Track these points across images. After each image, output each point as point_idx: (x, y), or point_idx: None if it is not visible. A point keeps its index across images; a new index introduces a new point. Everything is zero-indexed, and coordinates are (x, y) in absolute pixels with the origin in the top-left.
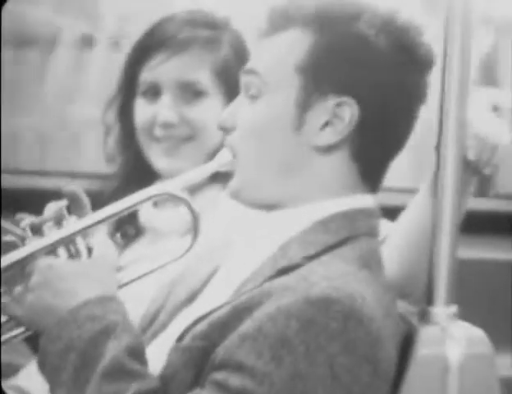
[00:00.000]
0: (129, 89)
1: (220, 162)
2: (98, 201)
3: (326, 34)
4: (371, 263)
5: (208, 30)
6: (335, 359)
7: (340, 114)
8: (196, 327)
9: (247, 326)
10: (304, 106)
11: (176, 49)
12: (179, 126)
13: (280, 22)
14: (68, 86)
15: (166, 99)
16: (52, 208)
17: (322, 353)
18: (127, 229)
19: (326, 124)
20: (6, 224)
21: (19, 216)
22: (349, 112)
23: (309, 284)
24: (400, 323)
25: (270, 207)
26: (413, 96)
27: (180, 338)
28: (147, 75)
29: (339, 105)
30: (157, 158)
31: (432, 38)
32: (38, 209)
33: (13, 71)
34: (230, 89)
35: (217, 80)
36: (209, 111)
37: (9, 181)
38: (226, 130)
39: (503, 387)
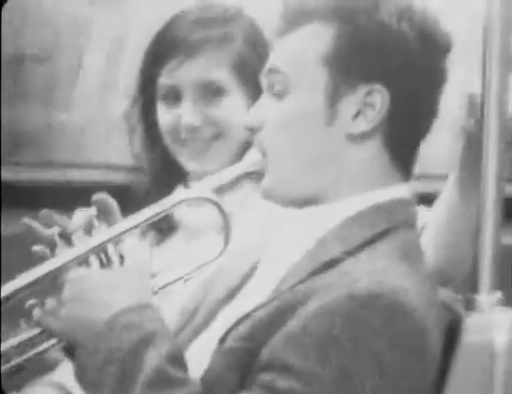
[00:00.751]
0: (148, 92)
1: (249, 163)
2: (130, 196)
3: (348, 25)
4: (410, 254)
5: (220, 28)
6: (382, 355)
7: (371, 102)
8: (239, 328)
9: (291, 325)
10: (333, 98)
11: (189, 52)
12: (203, 128)
13: (297, 18)
14: (105, 80)
15: (187, 103)
16: (80, 215)
17: (369, 349)
18: (161, 225)
19: (358, 113)
20: (36, 227)
21: (44, 212)
22: (380, 99)
23: (351, 280)
24: (443, 312)
25: (304, 203)
26: (436, 80)
27: (223, 340)
28: (165, 80)
29: (369, 93)
30: (186, 160)
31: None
32: (70, 203)
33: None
34: (250, 82)
35: (236, 76)
36: (232, 108)
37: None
38: (253, 130)
39: None
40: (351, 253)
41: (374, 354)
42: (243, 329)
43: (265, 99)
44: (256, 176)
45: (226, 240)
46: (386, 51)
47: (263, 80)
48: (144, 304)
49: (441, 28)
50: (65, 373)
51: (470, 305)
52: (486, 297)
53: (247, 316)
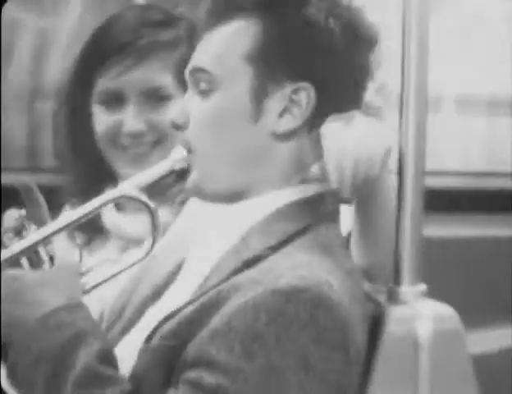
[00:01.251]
0: (83, 94)
1: (174, 159)
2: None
3: (275, 21)
4: (334, 249)
5: (167, 31)
6: (307, 348)
7: (298, 100)
8: (164, 327)
9: (216, 322)
10: (259, 96)
11: (138, 56)
12: (146, 133)
13: (221, 14)
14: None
15: (131, 108)
16: (11, 216)
17: (294, 344)
18: (88, 227)
19: (284, 111)
20: None
21: None
22: (306, 96)
23: (275, 276)
24: (367, 305)
25: (230, 199)
26: (361, 75)
27: (149, 338)
28: (108, 84)
29: (295, 91)
30: (123, 166)
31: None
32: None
33: None
34: None
35: (179, 81)
36: None
37: None
38: (178, 127)
39: (474, 364)
40: (274, 248)
41: (299, 348)
42: (168, 327)
43: (190, 97)
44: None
45: (154, 239)
46: (313, 48)
47: (188, 78)
48: (74, 303)
49: (369, 22)
50: None
51: (393, 297)
52: (409, 288)
53: (172, 314)
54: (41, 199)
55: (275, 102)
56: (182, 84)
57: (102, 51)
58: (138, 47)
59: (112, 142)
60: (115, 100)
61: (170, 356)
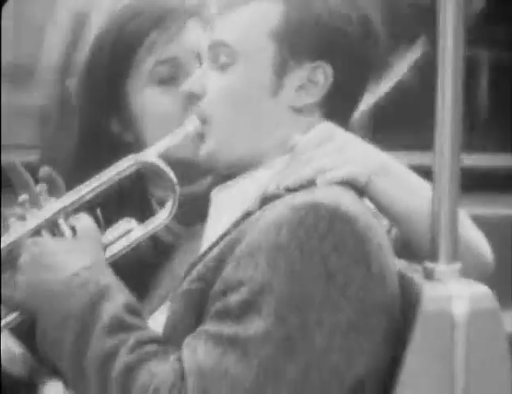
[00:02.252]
0: (120, 76)
1: (188, 129)
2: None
3: (298, 4)
4: (356, 194)
5: None
6: (328, 258)
7: (315, 78)
8: (192, 272)
9: (240, 248)
10: (280, 71)
11: (181, 20)
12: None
13: None
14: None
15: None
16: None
17: (315, 253)
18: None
19: (302, 87)
20: None
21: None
22: (324, 75)
23: (293, 197)
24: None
25: (244, 168)
26: (371, 64)
27: (177, 287)
28: (160, 56)
29: (314, 69)
30: None
31: None
32: None
33: None
34: None
35: None
36: None
37: None
38: (195, 96)
39: (510, 343)
40: (293, 190)
41: (320, 257)
42: (195, 272)
43: (207, 69)
44: None
45: (174, 202)
46: (333, 32)
47: (207, 52)
48: (97, 263)
49: (374, 18)
50: None
51: (429, 275)
52: (446, 267)
53: (199, 259)
54: (27, 176)
55: (294, 78)
56: None
57: (136, 31)
58: (177, 14)
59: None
60: (171, 75)
61: (199, 298)
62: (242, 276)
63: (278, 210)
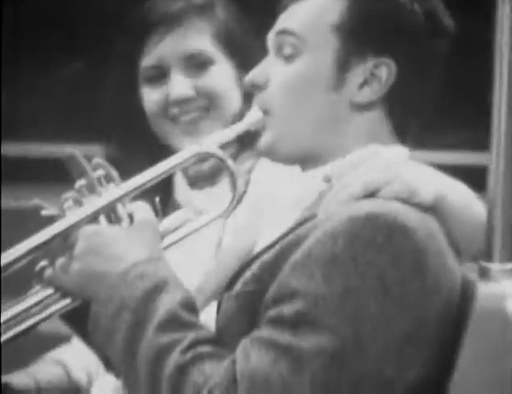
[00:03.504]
0: (130, 78)
1: (250, 120)
2: None
3: None
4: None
5: None
6: (384, 271)
7: (379, 74)
8: (246, 273)
9: (296, 256)
10: (343, 66)
11: (171, 24)
12: (195, 99)
13: None
14: None
15: (175, 75)
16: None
17: (371, 266)
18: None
19: (365, 83)
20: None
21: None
22: (387, 72)
23: (352, 206)
24: (444, 242)
25: (302, 162)
26: (437, 61)
27: (230, 285)
28: (147, 61)
29: (377, 65)
30: (178, 139)
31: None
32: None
33: None
34: (234, 50)
35: (221, 45)
36: (221, 77)
37: None
38: (256, 87)
39: None
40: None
41: (376, 271)
42: (250, 273)
43: (271, 60)
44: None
45: (234, 196)
46: (398, 28)
47: (272, 40)
48: (156, 256)
49: (446, 13)
50: (67, 351)
51: (484, 274)
52: (500, 266)
53: (252, 260)
54: (85, 163)
55: (357, 73)
56: (223, 49)
57: (137, 30)
58: (170, 15)
59: (163, 116)
60: (158, 75)
61: (253, 301)
62: (297, 285)
63: (336, 220)
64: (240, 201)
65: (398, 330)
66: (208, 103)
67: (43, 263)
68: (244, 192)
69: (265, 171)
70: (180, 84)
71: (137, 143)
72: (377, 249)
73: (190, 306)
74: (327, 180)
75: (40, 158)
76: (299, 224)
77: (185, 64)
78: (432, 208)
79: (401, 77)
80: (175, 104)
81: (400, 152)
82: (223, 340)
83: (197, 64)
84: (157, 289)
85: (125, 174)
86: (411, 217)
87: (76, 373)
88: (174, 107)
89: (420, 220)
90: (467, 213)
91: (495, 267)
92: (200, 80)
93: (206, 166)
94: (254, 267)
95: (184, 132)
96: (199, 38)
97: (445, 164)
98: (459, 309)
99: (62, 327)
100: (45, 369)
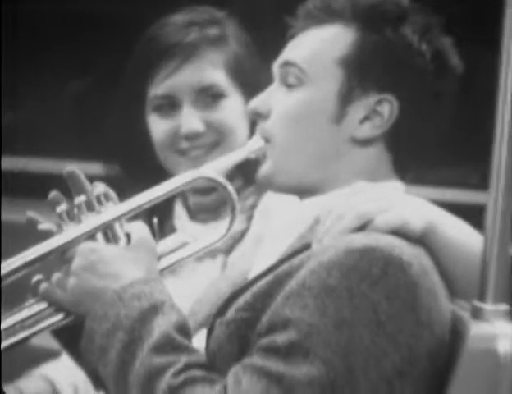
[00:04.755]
0: (136, 104)
1: (251, 148)
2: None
3: (372, 32)
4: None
5: (214, 28)
6: (378, 305)
7: (380, 110)
8: (238, 300)
9: (290, 285)
10: (345, 99)
11: (185, 55)
12: (205, 134)
13: (321, 16)
14: None
15: (187, 109)
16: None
17: (366, 299)
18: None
19: (366, 118)
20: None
21: (52, 195)
22: (389, 108)
23: (349, 239)
24: (436, 276)
25: (300, 192)
26: (444, 102)
27: (221, 312)
28: (158, 90)
29: (379, 102)
30: (183, 170)
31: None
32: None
33: None
34: (246, 83)
35: (233, 78)
36: (232, 112)
37: None
38: (259, 116)
39: None
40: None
41: (371, 303)
42: (243, 300)
43: (275, 89)
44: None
45: (232, 219)
46: (403, 66)
47: (276, 71)
48: (152, 277)
49: (455, 53)
50: (55, 367)
51: (477, 314)
52: (493, 307)
53: (245, 288)
54: (85, 181)
55: (358, 108)
56: (235, 82)
57: (150, 56)
58: (184, 45)
59: (171, 148)
60: (168, 105)
61: (244, 329)
62: (290, 314)
63: (331, 251)
64: (240, 238)
65: (390, 363)
66: (218, 139)
67: (38, 276)
68: (246, 229)
69: (271, 207)
70: (192, 119)
71: (138, 165)
72: (372, 282)
73: (184, 329)
74: (316, 221)
75: (39, 173)
76: (293, 254)
77: (196, 96)
78: (423, 239)
79: (404, 115)
80: (185, 138)
81: (394, 186)
82: (215, 365)
83: (209, 97)
84: (154, 310)
85: (125, 194)
86: (406, 251)
87: (63, 390)
88: (184, 141)
89: (414, 255)
90: (460, 245)
91: (488, 307)
92: (212, 114)
93: (208, 199)
94: (247, 294)
95: (191, 166)
96: (213, 70)
97: (441, 201)
98: (450, 347)
99: (53, 342)
100: (32, 385)
